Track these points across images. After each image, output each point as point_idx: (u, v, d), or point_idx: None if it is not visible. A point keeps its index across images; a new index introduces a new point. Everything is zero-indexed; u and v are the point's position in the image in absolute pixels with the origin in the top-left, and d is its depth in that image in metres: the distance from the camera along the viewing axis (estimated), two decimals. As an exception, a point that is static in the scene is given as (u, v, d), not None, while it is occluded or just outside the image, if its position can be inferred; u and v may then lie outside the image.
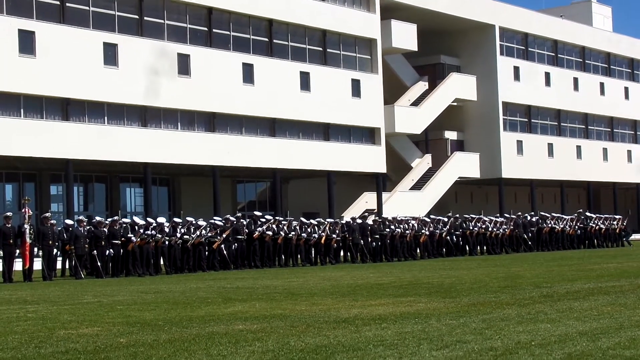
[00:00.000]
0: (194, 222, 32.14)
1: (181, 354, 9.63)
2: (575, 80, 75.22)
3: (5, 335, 11.83)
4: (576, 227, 48.89)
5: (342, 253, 38.19)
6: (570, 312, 12.85)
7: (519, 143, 69.42)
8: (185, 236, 31.41)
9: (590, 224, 49.78)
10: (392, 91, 63.63)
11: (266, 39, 53.76)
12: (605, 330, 10.67)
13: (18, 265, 28.34)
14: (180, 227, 31.57)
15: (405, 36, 61.81)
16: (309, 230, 35.99)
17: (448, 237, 41.65)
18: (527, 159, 69.44)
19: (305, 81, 54.93)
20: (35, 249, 28.48)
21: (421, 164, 65.48)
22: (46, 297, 19.46)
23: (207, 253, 32.18)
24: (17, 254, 28.13)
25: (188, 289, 21.33)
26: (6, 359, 9.64)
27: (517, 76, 69.58)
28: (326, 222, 37.23)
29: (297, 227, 35.73)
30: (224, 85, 50.56)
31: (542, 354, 8.92)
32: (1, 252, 27.86)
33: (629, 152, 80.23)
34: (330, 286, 20.74)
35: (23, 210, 29.14)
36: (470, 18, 66.13)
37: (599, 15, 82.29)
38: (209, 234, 32.24)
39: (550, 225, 47.29)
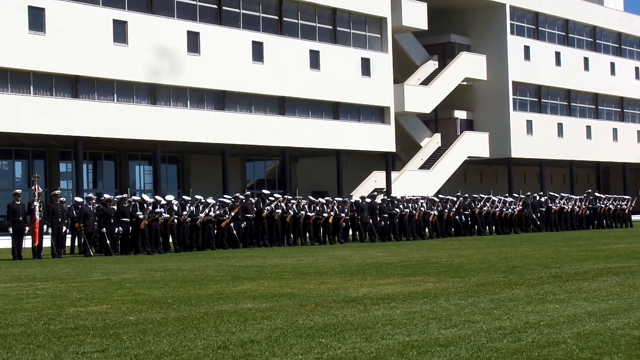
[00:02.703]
0: (202, 200, 32.14)
1: (190, 331, 9.66)
2: (586, 60, 74.94)
3: (14, 312, 11.88)
4: (585, 207, 48.80)
5: (350, 232, 38.20)
6: (579, 293, 12.85)
7: (529, 123, 69.25)
8: (194, 214, 31.43)
9: (600, 205, 49.70)
10: (402, 70, 63.50)
11: (276, 17, 53.64)
12: (614, 311, 10.67)
13: (27, 242, 28.42)
14: (189, 205, 31.58)
15: (416, 15, 61.61)
16: (317, 209, 35.99)
17: (457, 217, 41.64)
18: (537, 138, 69.28)
19: (314, 60, 54.82)
20: (45, 227, 28.53)
21: (430, 143, 65.39)
22: (55, 275, 19.53)
23: (216, 231, 32.19)
24: (26, 231, 28.21)
25: (197, 267, 21.37)
26: (16, 334, 9.69)
27: (527, 56, 69.34)
28: (335, 201, 37.21)
29: (306, 206, 35.73)
30: (233, 64, 50.49)
31: (551, 334, 8.93)
32: (11, 230, 27.92)
33: (639, 132, 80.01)
34: (338, 265, 20.76)
35: (32, 188, 29.21)
36: (480, -3, 65.90)
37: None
38: (218, 212, 32.25)
39: (559, 205, 47.23)
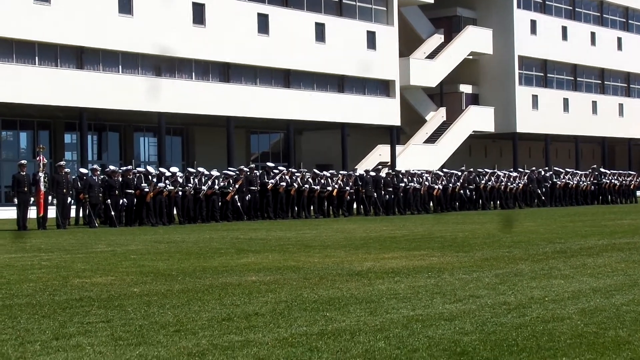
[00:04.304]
0: (206, 172, 32.12)
1: (194, 303, 9.67)
2: (593, 34, 74.59)
3: (20, 282, 11.91)
4: (590, 182, 48.74)
5: (355, 205, 38.20)
6: (584, 269, 12.84)
7: (534, 97, 69.05)
8: (198, 186, 31.41)
9: (605, 180, 49.63)
10: (408, 43, 63.27)
11: (282, -11, 53.42)
12: (619, 287, 10.66)
13: (32, 213, 28.44)
14: (193, 177, 31.57)
15: (422, -12, 61.37)
16: (322, 182, 35.96)
17: (461, 191, 41.61)
18: (542, 113, 69.11)
19: (320, 32, 54.63)
20: (50, 198, 28.54)
21: (435, 117, 65.26)
22: (60, 246, 19.56)
23: (220, 204, 32.20)
24: (31, 202, 28.22)
25: (201, 239, 21.39)
26: (21, 305, 9.72)
27: (533, 30, 69.03)
28: (339, 175, 37.18)
29: (310, 179, 35.70)
30: (238, 36, 50.33)
31: (556, 309, 8.92)
32: (16, 200, 27.95)
33: (646, 108, 79.82)
34: (343, 239, 20.77)
35: (37, 159, 29.21)
36: (487, -30, 65.56)
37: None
38: (222, 184, 32.22)
39: (564, 180, 47.17)
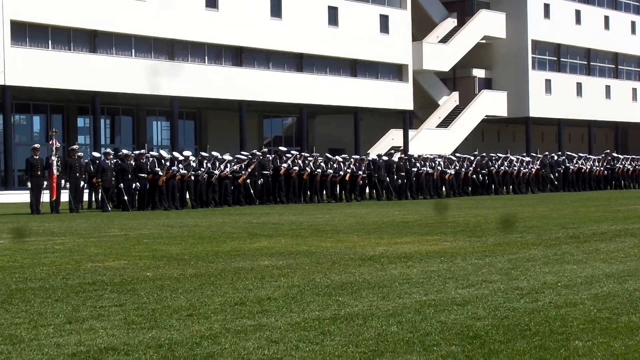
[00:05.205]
0: (219, 156, 32.12)
1: (207, 288, 9.69)
2: (606, 18, 74.22)
3: (33, 266, 11.94)
4: (603, 167, 48.58)
5: (367, 190, 38.18)
6: (597, 254, 12.80)
7: (548, 82, 68.81)
8: (210, 170, 31.42)
9: (618, 165, 49.46)
10: (421, 27, 63.10)
11: (294, -27, 53.29)
12: (632, 273, 10.62)
13: (46, 196, 28.51)
14: (206, 161, 31.58)
15: (435, -28, 61.15)
16: (334, 166, 35.94)
17: (474, 176, 41.53)
18: (556, 98, 68.87)
19: (333, 16, 54.52)
20: (63, 181, 28.61)
21: (448, 101, 65.12)
22: (73, 230, 19.60)
23: (232, 188, 32.20)
24: (44, 186, 28.29)
25: (214, 223, 21.41)
26: (35, 289, 9.75)
27: (547, 14, 68.74)
28: (352, 159, 37.16)
29: (323, 164, 35.68)
30: (251, 20, 50.26)
31: (569, 295, 8.90)
32: (29, 184, 28.04)
33: (659, 92, 79.46)
34: (355, 223, 20.77)
35: (50, 142, 29.27)
36: (501, -46, 65.25)
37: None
38: (234, 168, 32.21)
39: (577, 165, 47.03)
